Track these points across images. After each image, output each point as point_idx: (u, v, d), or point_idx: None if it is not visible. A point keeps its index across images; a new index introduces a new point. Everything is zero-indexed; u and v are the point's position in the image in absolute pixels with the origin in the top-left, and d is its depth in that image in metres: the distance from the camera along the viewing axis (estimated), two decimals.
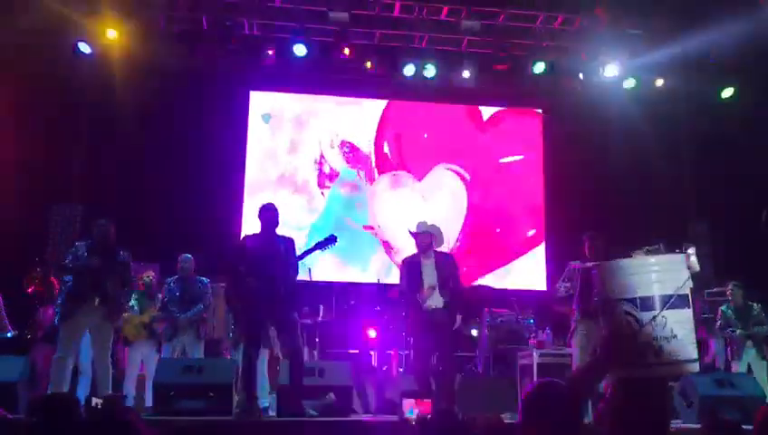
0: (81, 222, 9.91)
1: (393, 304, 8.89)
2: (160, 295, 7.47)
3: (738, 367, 7.59)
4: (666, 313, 2.18)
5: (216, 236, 10.05)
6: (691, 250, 2.97)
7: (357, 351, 9.16)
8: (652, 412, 2.14)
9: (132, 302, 7.60)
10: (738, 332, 7.64)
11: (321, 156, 11.34)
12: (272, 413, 6.57)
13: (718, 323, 7.90)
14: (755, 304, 7.81)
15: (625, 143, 11.05)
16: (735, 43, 10.53)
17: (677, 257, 2.66)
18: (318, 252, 6.22)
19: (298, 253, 6.08)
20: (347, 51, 10.23)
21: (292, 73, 10.75)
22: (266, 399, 6.83)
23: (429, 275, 6.49)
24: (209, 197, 10.41)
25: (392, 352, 9.13)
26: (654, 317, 2.16)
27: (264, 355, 6.99)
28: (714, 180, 11.15)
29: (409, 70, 10.60)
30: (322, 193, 11.26)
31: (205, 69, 10.46)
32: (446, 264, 6.62)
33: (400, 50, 10.75)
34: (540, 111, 12.02)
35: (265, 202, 6.30)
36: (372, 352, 9.25)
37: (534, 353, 7.25)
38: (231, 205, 10.85)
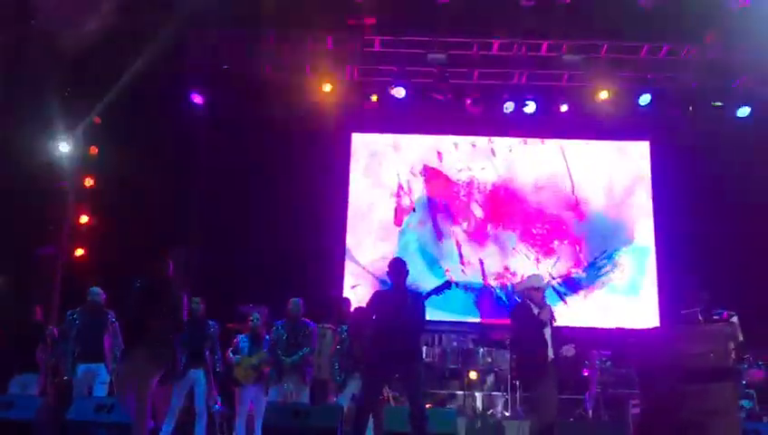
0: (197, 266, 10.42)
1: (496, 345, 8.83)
2: (267, 337, 7.69)
3: None
4: (710, 385, 1.99)
5: (321, 278, 10.33)
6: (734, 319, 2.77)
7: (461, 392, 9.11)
8: None
9: (242, 344, 7.89)
10: None
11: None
12: None
13: None
14: None
15: (741, 174, 10.48)
16: None
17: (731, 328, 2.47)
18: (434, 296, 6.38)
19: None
20: (447, 94, 10.31)
21: (392, 115, 10.93)
22: None
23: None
24: (315, 239, 10.68)
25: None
26: (702, 390, 1.98)
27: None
28: None
29: (509, 107, 10.55)
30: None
31: (309, 115, 10.80)
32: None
33: (499, 87, 10.72)
34: (646, 143, 11.61)
35: (396, 257, 6.50)
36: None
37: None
38: (337, 245, 11.09)
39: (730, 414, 2.03)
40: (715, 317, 7.08)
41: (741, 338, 5.88)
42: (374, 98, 10.55)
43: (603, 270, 11.20)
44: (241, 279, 9.92)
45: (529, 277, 7.45)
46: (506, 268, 11.15)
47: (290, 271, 9.88)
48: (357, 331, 6.72)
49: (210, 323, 7.59)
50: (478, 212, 11.40)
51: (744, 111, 10.43)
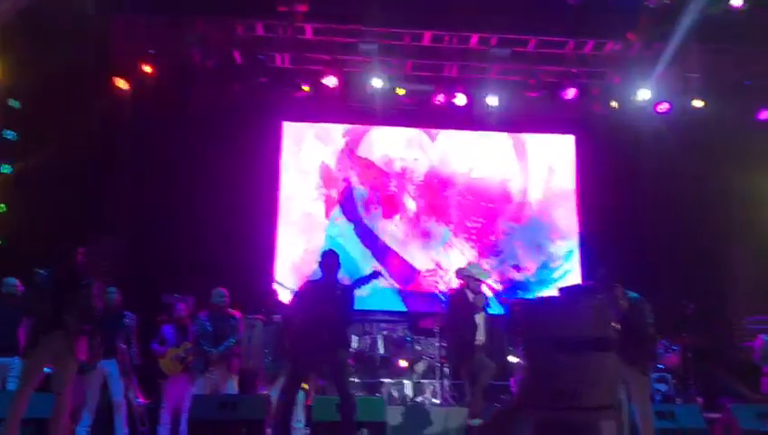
0: (120, 255, 10.13)
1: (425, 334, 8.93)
2: (193, 329, 7.56)
3: None
4: (590, 355, 2.05)
5: (251, 268, 10.20)
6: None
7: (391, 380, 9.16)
8: None
9: (168, 335, 7.74)
10: None
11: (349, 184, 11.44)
12: None
13: (760, 353, 7.68)
14: None
15: (660, 167, 10.90)
16: None
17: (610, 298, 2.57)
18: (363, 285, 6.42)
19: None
20: (379, 83, 10.29)
21: (323, 104, 10.86)
22: (300, 432, 6.87)
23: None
24: (243, 230, 10.52)
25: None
26: (578, 360, 2.03)
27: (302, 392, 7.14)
28: (753, 203, 10.92)
29: (439, 98, 10.64)
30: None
31: (238, 101, 10.65)
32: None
33: (430, 79, 10.79)
34: (572, 136, 11.92)
35: (328, 249, 6.52)
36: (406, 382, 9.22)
37: None
38: (265, 237, 10.95)
39: (609, 385, 2.09)
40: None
41: (645, 316, 6.05)
42: (305, 88, 10.43)
43: (556, 273, 11.44)
44: (166, 269, 9.68)
45: (471, 265, 7.63)
46: (438, 264, 11.24)
47: (217, 261, 9.69)
48: (287, 321, 6.68)
49: (126, 314, 7.40)
50: (411, 204, 11.47)
51: (663, 107, 10.80)
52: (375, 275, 6.47)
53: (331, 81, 10.26)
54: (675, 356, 9.13)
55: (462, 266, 7.57)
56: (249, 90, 10.52)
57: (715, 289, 10.78)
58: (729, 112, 10.91)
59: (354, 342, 9.11)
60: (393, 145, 11.68)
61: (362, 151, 11.59)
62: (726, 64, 10.67)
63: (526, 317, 2.50)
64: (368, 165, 11.53)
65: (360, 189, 11.45)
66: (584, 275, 11.28)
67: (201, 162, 10.51)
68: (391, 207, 11.45)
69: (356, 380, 8.89)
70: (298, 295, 6.31)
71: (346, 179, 11.46)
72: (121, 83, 10.26)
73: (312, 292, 6.18)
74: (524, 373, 2.17)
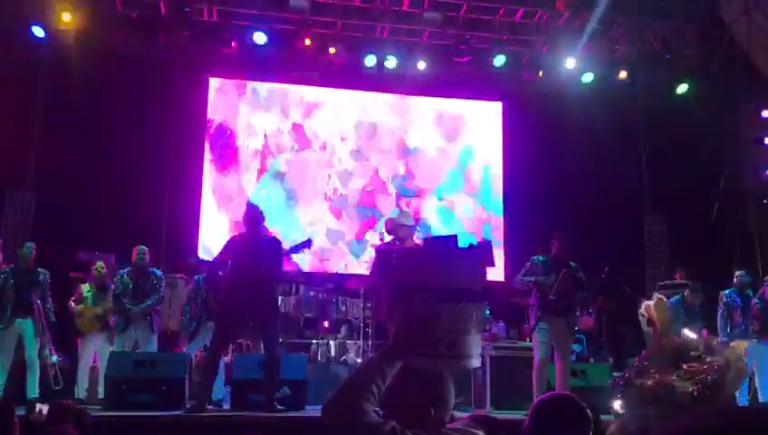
0: (35, 210, 9.77)
1: (350, 295, 8.98)
2: (113, 287, 7.39)
3: None
4: (464, 306, 2.16)
5: (175, 226, 10.01)
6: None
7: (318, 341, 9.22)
8: (423, 398, 2.17)
9: (86, 293, 7.56)
10: (681, 323, 7.81)
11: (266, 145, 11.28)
12: (226, 406, 6.60)
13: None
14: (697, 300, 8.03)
15: (583, 136, 11.17)
16: (692, 39, 10.78)
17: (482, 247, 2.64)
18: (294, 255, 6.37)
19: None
20: (307, 41, 10.14)
21: (251, 61, 10.63)
22: (221, 391, 6.84)
23: None
24: (167, 187, 10.28)
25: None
26: (454, 309, 2.14)
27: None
28: (671, 175, 11.37)
29: (370, 60, 10.58)
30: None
31: (162, 55, 10.32)
32: None
33: (361, 40, 10.70)
34: (501, 103, 12.07)
35: (250, 203, 6.38)
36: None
37: (488, 346, 7.35)
38: (190, 195, 10.73)
39: (477, 335, 2.21)
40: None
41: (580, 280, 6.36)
42: (233, 44, 10.19)
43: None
44: (85, 226, 9.38)
45: (401, 213, 7.59)
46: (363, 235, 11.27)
47: (139, 219, 9.47)
48: (213, 278, 6.60)
49: (40, 270, 7.16)
50: (340, 167, 11.41)
51: (588, 77, 11.04)
52: (308, 242, 6.40)
53: (260, 37, 10.05)
54: (590, 319, 9.50)
55: (392, 217, 7.43)
56: (174, 43, 10.19)
57: (632, 255, 11.24)
58: (650, 84, 11.29)
59: (280, 302, 9.09)
60: (325, 108, 11.55)
61: (293, 115, 11.41)
62: (648, 37, 10.95)
63: (406, 265, 2.55)
64: (297, 127, 11.38)
65: (288, 153, 11.29)
66: (506, 242, 11.55)
67: (124, 117, 10.16)
68: (324, 173, 11.36)
69: (280, 340, 8.91)
70: (224, 250, 6.22)
71: (268, 144, 11.25)
72: (38, 31, 9.75)
73: (238, 245, 6.09)
74: (401, 322, 2.22)
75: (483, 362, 7.34)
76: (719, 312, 7.88)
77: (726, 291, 7.89)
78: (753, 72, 10.62)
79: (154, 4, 10.02)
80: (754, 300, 6.92)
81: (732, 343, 2.67)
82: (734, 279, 7.92)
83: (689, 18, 10.66)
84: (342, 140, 11.47)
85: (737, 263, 8.97)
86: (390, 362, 2.05)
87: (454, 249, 2.43)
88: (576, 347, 8.92)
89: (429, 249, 2.81)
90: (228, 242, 6.31)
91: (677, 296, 8.32)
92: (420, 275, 2.24)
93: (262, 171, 11.09)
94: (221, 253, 6.32)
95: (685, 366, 2.03)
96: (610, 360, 8.80)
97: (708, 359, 2.04)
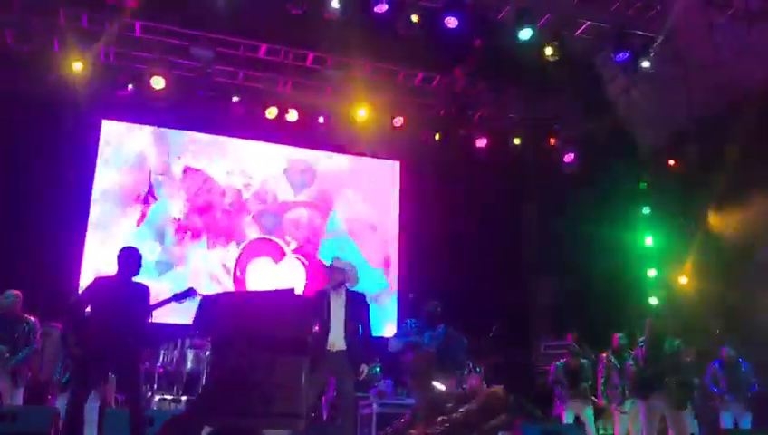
0: None
1: None
2: None
3: (566, 418, 7.96)
4: (282, 359, 1.99)
5: (53, 272, 9.48)
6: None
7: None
8: None
9: None
10: (567, 386, 8.01)
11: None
12: None
13: (551, 378, 8.25)
14: (585, 361, 8.25)
15: (476, 198, 11.52)
16: (580, 112, 11.44)
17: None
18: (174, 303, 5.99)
19: (153, 302, 5.83)
20: (235, 98, 10.12)
21: (147, 106, 10.39)
22: None
23: (338, 313, 6.10)
24: (49, 231, 9.75)
25: None
26: (274, 361, 1.96)
27: (95, 402, 6.60)
28: (558, 237, 11.84)
29: (272, 112, 10.58)
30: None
31: (56, 94, 9.91)
32: (359, 302, 6.26)
33: (263, 92, 10.72)
34: (398, 163, 12.31)
35: (128, 246, 5.99)
36: None
37: (374, 403, 7.27)
38: (73, 241, 10.22)
39: (300, 392, 2.03)
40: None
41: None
42: (130, 85, 9.95)
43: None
44: None
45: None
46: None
47: (15, 262, 8.91)
48: (75, 322, 6.05)
49: None
50: (237, 219, 11.23)
51: (481, 142, 11.46)
52: (191, 292, 6.07)
53: (158, 81, 9.86)
54: (477, 378, 9.59)
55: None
56: (68, 82, 9.83)
57: (519, 315, 11.54)
58: (541, 152, 11.85)
59: (161, 355, 8.69)
60: (222, 157, 11.40)
61: (188, 160, 11.19)
62: (539, 107, 11.54)
63: (220, 312, 2.39)
64: (192, 174, 11.15)
65: (180, 201, 11.01)
66: (399, 299, 11.62)
67: (10, 152, 9.64)
68: (213, 221, 11.14)
69: (161, 396, 8.48)
70: (87, 291, 5.81)
71: (152, 190, 10.96)
72: None
73: (104, 289, 5.71)
74: (211, 375, 2.07)
75: (369, 419, 7.25)
76: (598, 373, 8.13)
77: (605, 354, 8.16)
78: (634, 145, 11.38)
79: (47, 41, 9.67)
80: (629, 362, 7.19)
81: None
82: (613, 342, 8.21)
83: (578, 92, 11.31)
84: (238, 189, 11.33)
85: (616, 326, 9.35)
86: (195, 426, 1.84)
87: (280, 298, 2.29)
88: None
89: (252, 297, 2.68)
90: (92, 283, 5.90)
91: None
92: (239, 324, 2.07)
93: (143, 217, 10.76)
94: (80, 294, 5.93)
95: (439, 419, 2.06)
96: None
97: (461, 407, 2.08)
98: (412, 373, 6.87)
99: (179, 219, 10.92)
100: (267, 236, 11.33)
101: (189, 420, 1.83)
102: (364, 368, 6.04)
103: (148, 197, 10.84)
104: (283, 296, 2.24)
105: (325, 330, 5.93)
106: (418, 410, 6.06)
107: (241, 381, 1.84)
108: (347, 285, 6.19)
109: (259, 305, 2.22)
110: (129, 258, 5.75)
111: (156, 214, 10.83)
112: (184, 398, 8.74)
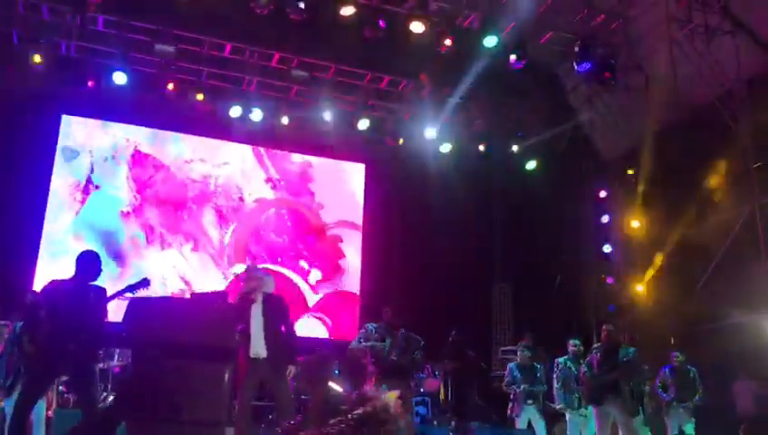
0: None
1: None
2: None
3: (519, 423, 8.00)
4: (199, 366, 1.98)
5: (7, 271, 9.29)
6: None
7: None
8: None
9: None
10: (522, 388, 8.05)
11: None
12: None
13: (505, 380, 8.28)
14: (539, 365, 8.32)
15: (439, 204, 11.55)
16: (543, 120, 11.57)
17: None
18: (129, 294, 5.88)
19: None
20: (170, 86, 9.93)
21: (109, 101, 10.23)
22: None
23: (257, 320, 6.04)
24: (5, 228, 9.53)
25: None
26: (186, 368, 1.96)
27: (44, 403, 6.47)
28: (518, 245, 11.96)
29: (236, 111, 10.49)
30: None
31: (14, 88, 9.69)
32: (276, 306, 6.24)
33: (227, 90, 10.63)
34: (362, 166, 12.31)
35: (88, 250, 5.86)
36: None
37: None
38: (30, 237, 10.02)
39: (219, 399, 2.02)
40: None
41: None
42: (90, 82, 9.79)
43: None
44: None
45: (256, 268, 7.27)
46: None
47: None
48: (30, 323, 5.98)
49: None
50: (199, 217, 11.12)
51: (446, 147, 11.52)
52: (145, 283, 5.99)
53: (120, 78, 9.71)
54: (436, 381, 9.65)
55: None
56: (27, 75, 9.62)
57: (480, 320, 11.63)
58: (504, 159, 11.95)
59: (115, 355, 8.55)
60: (185, 153, 11.29)
61: (151, 153, 11.05)
62: (504, 114, 11.64)
63: (141, 317, 2.39)
64: (157, 168, 11.03)
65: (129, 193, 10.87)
66: (361, 302, 11.62)
67: None
68: (175, 217, 11.02)
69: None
70: (42, 293, 5.68)
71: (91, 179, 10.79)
72: None
73: (60, 291, 5.60)
74: (125, 380, 2.04)
75: None
76: (554, 378, 8.17)
77: (561, 359, 8.22)
78: (594, 154, 11.56)
79: (5, 32, 9.47)
80: (583, 368, 7.26)
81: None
82: (569, 348, 8.26)
83: (541, 100, 11.43)
84: (198, 186, 11.23)
85: (575, 332, 9.46)
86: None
87: (202, 304, 2.29)
88: (421, 409, 9.00)
89: (173, 303, 2.66)
90: (49, 285, 5.77)
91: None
92: (155, 330, 2.07)
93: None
94: (41, 293, 5.78)
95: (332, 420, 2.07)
96: (453, 423, 8.92)
97: (355, 411, 2.08)
98: (307, 376, 6.96)
99: (128, 212, 10.75)
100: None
101: (103, 421, 1.85)
102: (291, 369, 6.07)
103: (88, 186, 10.65)
104: (206, 303, 2.24)
105: (246, 337, 5.91)
106: (309, 410, 6.07)
107: (151, 387, 1.84)
108: (264, 290, 6.20)
109: (178, 312, 2.21)
110: (88, 263, 5.63)
111: (96, 205, 10.62)
112: None
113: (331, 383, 6.48)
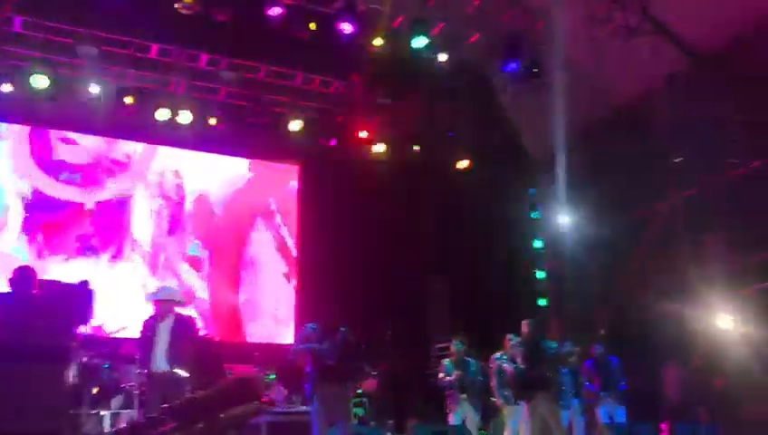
0: None
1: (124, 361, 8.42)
2: None
3: (454, 419, 8.03)
4: (38, 368, 1.83)
5: None
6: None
7: None
8: None
9: None
10: (456, 383, 8.08)
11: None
12: None
13: (440, 376, 8.30)
14: (473, 360, 8.35)
15: (375, 203, 11.56)
16: (474, 119, 11.71)
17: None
18: None
19: None
20: (95, 89, 9.64)
21: (27, 106, 9.85)
22: None
23: (163, 339, 6.43)
24: None
25: None
26: (23, 371, 1.86)
27: None
28: (451, 240, 12.07)
29: (163, 114, 10.24)
30: None
31: None
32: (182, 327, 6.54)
33: (154, 93, 10.37)
34: (296, 167, 12.22)
35: (22, 265, 5.63)
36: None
37: (266, 411, 7.16)
38: None
39: (55, 401, 1.85)
40: None
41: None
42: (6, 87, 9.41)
43: None
44: None
45: (168, 289, 7.22)
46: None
47: None
48: None
49: None
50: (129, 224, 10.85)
51: (379, 147, 11.53)
52: (85, 286, 5.77)
53: (40, 81, 9.36)
54: (373, 381, 9.64)
55: (154, 291, 7.18)
56: None
57: (416, 317, 11.69)
58: (437, 158, 12.04)
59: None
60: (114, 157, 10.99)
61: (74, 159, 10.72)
62: (436, 114, 11.73)
63: None
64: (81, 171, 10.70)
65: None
66: (298, 302, 11.57)
67: None
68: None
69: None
70: None
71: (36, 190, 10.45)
72: None
73: None
74: None
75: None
76: (492, 373, 8.20)
77: (497, 354, 8.25)
78: (524, 153, 11.78)
79: None
80: (506, 364, 7.34)
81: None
82: (507, 343, 8.26)
83: (471, 100, 11.56)
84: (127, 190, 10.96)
85: (509, 326, 9.60)
86: None
87: (35, 298, 2.10)
88: (358, 410, 8.99)
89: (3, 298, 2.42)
90: None
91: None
92: None
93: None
94: None
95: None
96: (390, 422, 8.95)
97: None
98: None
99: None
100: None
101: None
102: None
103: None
104: (40, 297, 2.08)
105: (148, 352, 6.35)
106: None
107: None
108: (175, 308, 6.59)
109: (8, 309, 2.04)
110: (24, 276, 5.41)
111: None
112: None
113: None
